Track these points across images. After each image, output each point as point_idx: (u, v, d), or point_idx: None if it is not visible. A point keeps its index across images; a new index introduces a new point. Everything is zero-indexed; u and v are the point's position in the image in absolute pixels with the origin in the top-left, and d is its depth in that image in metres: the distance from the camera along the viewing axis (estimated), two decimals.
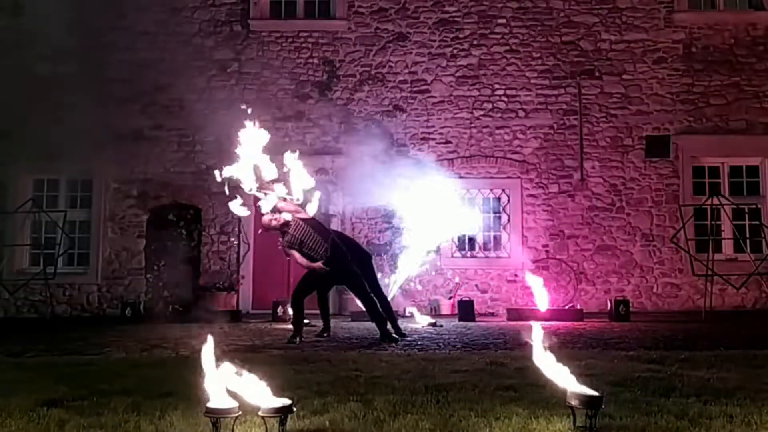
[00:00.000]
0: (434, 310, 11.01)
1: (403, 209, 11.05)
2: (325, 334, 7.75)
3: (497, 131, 11.87)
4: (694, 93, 11.84)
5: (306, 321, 9.30)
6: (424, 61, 12.00)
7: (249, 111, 6.87)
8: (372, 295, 7.46)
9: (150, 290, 11.56)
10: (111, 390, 4.33)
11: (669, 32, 11.94)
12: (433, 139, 11.85)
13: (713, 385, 4.43)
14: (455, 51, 12.01)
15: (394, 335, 7.36)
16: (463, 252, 11.82)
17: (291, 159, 6.95)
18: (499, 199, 11.94)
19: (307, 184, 7.08)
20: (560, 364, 3.57)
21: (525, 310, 10.18)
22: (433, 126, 11.89)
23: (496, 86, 11.95)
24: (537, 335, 3.65)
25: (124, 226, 11.76)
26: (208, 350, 3.39)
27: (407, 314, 9.86)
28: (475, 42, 12.02)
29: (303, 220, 7.36)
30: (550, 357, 3.62)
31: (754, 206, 11.56)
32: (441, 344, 7.01)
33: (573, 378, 3.47)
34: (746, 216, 11.53)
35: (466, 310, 9.96)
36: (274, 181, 6.97)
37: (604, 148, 11.80)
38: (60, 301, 11.44)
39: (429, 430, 3.41)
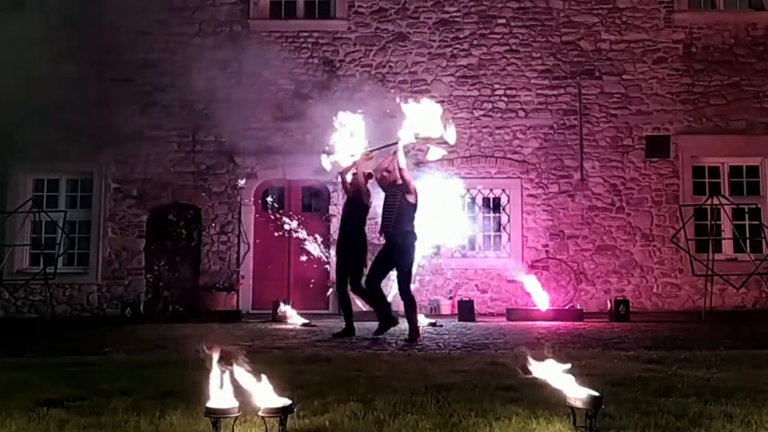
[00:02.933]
0: (434, 310, 11.01)
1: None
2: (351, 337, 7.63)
3: (497, 131, 11.86)
4: (694, 93, 11.84)
5: (306, 321, 9.32)
6: (424, 61, 11.99)
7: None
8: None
9: (150, 290, 11.58)
10: (111, 390, 4.32)
11: (669, 32, 11.94)
12: None
13: (713, 385, 4.42)
14: (455, 51, 12.00)
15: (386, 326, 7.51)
16: (463, 252, 11.81)
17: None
18: (499, 199, 11.94)
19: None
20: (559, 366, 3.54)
21: (525, 310, 10.19)
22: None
23: (496, 86, 11.94)
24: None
25: (124, 226, 11.76)
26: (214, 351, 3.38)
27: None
28: (475, 42, 12.01)
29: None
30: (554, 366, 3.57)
31: (754, 206, 11.56)
32: (441, 344, 7.01)
33: (572, 378, 3.45)
34: (746, 216, 11.53)
35: (466, 310, 9.96)
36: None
37: (604, 148, 11.79)
38: (60, 301, 11.44)
39: (429, 430, 3.41)
